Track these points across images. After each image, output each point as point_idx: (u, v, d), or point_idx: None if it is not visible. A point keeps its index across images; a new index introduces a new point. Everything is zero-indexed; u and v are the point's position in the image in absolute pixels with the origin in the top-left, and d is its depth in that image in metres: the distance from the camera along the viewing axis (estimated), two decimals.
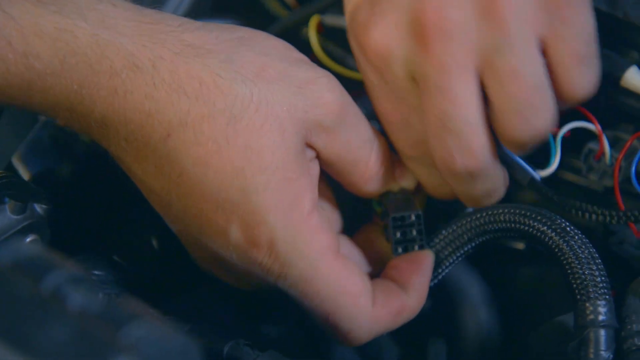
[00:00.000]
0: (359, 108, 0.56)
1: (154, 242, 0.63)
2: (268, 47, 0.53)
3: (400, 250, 0.57)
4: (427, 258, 0.57)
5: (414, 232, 0.57)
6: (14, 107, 0.54)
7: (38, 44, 0.47)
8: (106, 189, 0.59)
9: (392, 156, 0.58)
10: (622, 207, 0.56)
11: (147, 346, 0.32)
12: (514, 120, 0.52)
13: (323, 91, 0.53)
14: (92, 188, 0.60)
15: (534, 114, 0.52)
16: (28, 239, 0.53)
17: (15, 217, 0.52)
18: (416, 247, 0.57)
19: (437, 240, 0.58)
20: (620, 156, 0.57)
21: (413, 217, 0.57)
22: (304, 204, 0.52)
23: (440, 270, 0.58)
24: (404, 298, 0.56)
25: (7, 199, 0.52)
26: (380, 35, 0.52)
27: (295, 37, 0.66)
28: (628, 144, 0.57)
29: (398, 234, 0.57)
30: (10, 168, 0.57)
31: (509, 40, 0.51)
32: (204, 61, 0.50)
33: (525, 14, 0.51)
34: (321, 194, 0.57)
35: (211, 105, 0.50)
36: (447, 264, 0.58)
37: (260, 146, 0.50)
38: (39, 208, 0.53)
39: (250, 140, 0.50)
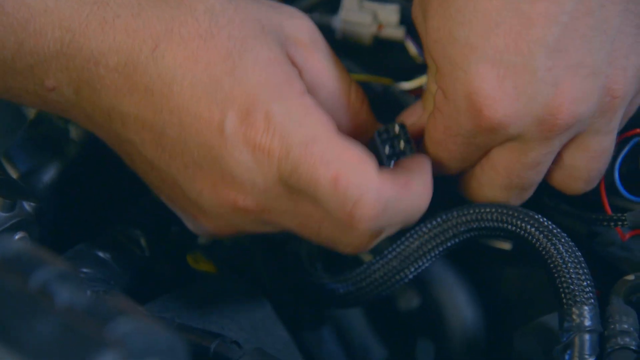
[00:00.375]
0: None
1: (143, 241, 0.63)
2: None
3: (392, 163, 0.57)
4: (426, 160, 0.57)
5: (402, 143, 0.57)
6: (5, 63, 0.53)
7: None
8: (95, 187, 0.59)
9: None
10: (609, 211, 0.57)
11: (134, 342, 0.32)
12: (582, 184, 0.58)
13: (295, 11, 0.56)
14: (81, 186, 0.60)
15: (598, 179, 0.58)
16: (17, 236, 0.53)
17: (3, 214, 0.52)
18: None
19: (421, 233, 0.58)
20: None
21: (397, 128, 0.57)
22: (296, 84, 0.53)
23: (421, 263, 0.58)
24: (409, 175, 0.54)
25: None
26: (504, 113, 0.52)
27: None
28: None
29: (387, 148, 0.57)
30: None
31: (612, 126, 0.55)
32: None
33: (628, 101, 0.55)
34: None
35: (193, 10, 0.52)
36: (430, 257, 0.58)
37: (243, 35, 0.52)
38: (27, 206, 0.54)
39: (233, 31, 0.52)
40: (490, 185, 0.57)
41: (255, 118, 0.50)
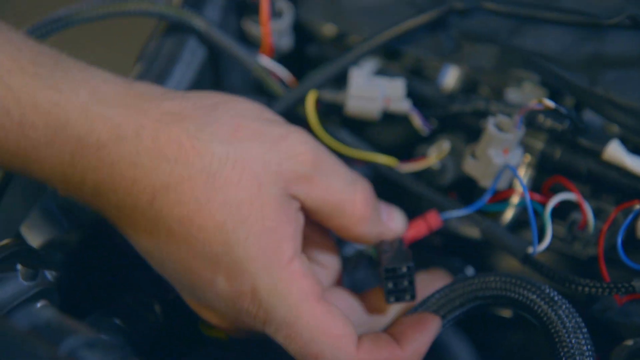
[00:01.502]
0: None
1: (157, 308, 0.64)
2: (242, 109, 0.56)
3: (392, 299, 0.58)
4: (433, 321, 0.59)
5: (405, 283, 0.58)
6: (18, 173, 0.56)
7: (33, 115, 0.51)
8: (111, 254, 0.61)
9: (378, 201, 0.61)
10: (608, 278, 0.59)
11: None
12: None
13: (295, 144, 0.56)
14: (98, 255, 0.61)
15: None
16: (39, 305, 0.54)
17: (26, 283, 0.54)
18: (407, 297, 0.58)
19: (429, 304, 0.59)
20: (605, 228, 0.60)
21: (405, 269, 0.58)
22: (285, 252, 0.54)
23: None
24: (395, 351, 0.57)
25: (18, 266, 0.54)
26: None
27: (294, 114, 0.69)
28: (612, 216, 0.60)
29: (390, 284, 0.58)
30: (19, 236, 0.59)
31: None
32: (181, 125, 0.53)
33: None
34: (317, 245, 0.61)
35: (190, 167, 0.53)
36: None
37: (239, 200, 0.53)
38: (49, 274, 0.55)
39: (229, 195, 0.53)
40: None
41: (243, 288, 0.54)
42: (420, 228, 0.64)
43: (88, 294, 0.61)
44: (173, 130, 0.53)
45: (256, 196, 0.53)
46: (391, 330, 0.59)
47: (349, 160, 0.67)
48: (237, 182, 0.53)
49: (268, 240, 0.54)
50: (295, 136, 0.56)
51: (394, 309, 0.61)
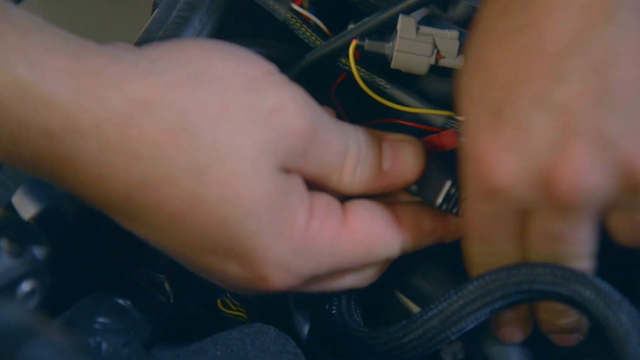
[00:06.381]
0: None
1: (167, 286, 0.58)
2: (226, 75, 0.48)
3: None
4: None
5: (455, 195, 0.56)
6: None
7: None
8: (115, 228, 0.54)
9: (382, 146, 0.56)
10: None
11: None
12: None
13: (290, 118, 0.49)
14: (99, 228, 0.55)
15: None
16: (24, 287, 0.48)
17: (10, 261, 0.48)
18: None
19: (466, 292, 0.52)
20: None
21: (452, 190, 0.55)
22: (300, 221, 0.50)
23: (464, 324, 0.52)
24: (438, 219, 0.57)
25: (1, 241, 0.48)
26: (505, 170, 0.48)
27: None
28: None
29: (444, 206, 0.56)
30: (10, 207, 0.53)
31: None
32: (155, 120, 0.45)
33: None
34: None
35: (170, 165, 0.45)
36: (474, 318, 0.52)
37: (238, 195, 0.46)
38: (38, 251, 0.49)
39: (225, 191, 0.46)
40: (527, 257, 0.52)
41: (266, 273, 0.50)
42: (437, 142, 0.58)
43: (88, 271, 0.55)
44: (145, 126, 0.45)
45: (257, 187, 0.47)
46: None
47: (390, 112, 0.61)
48: (231, 175, 0.46)
49: (281, 224, 0.48)
50: (289, 107, 0.49)
51: None
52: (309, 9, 0.63)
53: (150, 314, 0.56)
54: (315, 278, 0.52)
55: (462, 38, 0.59)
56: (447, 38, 0.59)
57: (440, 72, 0.61)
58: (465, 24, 0.62)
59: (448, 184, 0.55)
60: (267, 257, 0.48)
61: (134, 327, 0.54)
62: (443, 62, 0.59)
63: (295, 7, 0.62)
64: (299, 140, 0.49)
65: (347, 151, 0.53)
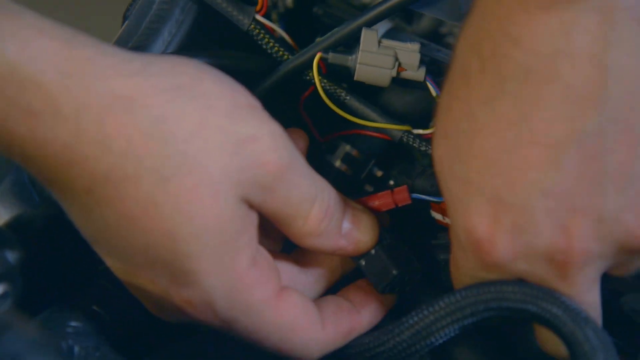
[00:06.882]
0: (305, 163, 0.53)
1: None
2: (212, 96, 0.49)
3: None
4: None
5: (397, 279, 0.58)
6: None
7: None
8: None
9: (346, 209, 0.57)
10: None
11: None
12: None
13: (263, 151, 0.49)
14: (71, 233, 0.56)
15: None
16: None
17: None
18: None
19: (437, 308, 0.53)
20: None
21: (397, 277, 0.57)
22: (242, 262, 0.50)
23: (434, 340, 0.53)
24: (355, 318, 0.57)
25: None
26: (504, 250, 0.50)
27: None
28: None
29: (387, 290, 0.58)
30: None
31: None
32: (134, 119, 0.46)
33: None
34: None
35: (138, 165, 0.46)
36: (443, 334, 0.53)
37: (191, 211, 0.47)
38: (10, 256, 0.50)
39: (181, 204, 0.47)
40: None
41: (196, 300, 0.50)
42: (387, 200, 0.60)
43: (61, 278, 0.56)
44: (122, 122, 0.46)
45: (211, 208, 0.47)
46: (349, 293, 0.58)
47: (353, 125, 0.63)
48: (190, 190, 0.47)
49: (223, 255, 0.49)
50: (265, 141, 0.50)
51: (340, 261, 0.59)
52: (278, 22, 0.64)
53: (121, 318, 0.57)
54: (231, 329, 0.52)
55: (423, 50, 0.61)
56: (409, 51, 0.61)
57: (404, 83, 0.62)
58: (429, 37, 0.64)
59: (394, 273, 0.57)
60: (200, 283, 0.49)
61: (105, 330, 0.55)
62: (405, 75, 0.61)
63: (259, 17, 0.63)
64: (267, 175, 0.50)
65: (316, 200, 0.53)
